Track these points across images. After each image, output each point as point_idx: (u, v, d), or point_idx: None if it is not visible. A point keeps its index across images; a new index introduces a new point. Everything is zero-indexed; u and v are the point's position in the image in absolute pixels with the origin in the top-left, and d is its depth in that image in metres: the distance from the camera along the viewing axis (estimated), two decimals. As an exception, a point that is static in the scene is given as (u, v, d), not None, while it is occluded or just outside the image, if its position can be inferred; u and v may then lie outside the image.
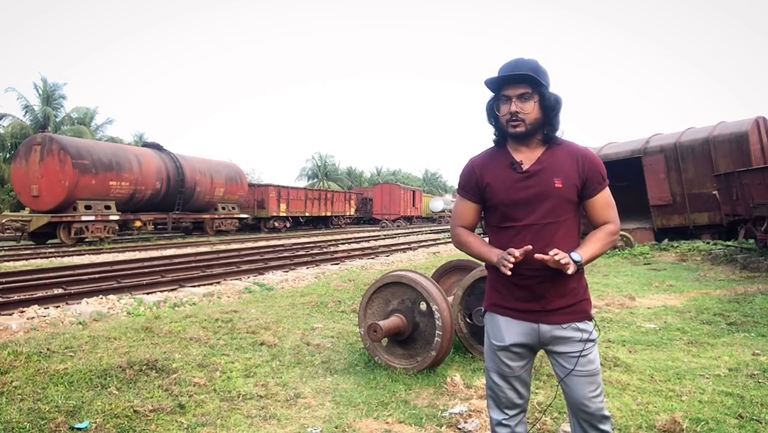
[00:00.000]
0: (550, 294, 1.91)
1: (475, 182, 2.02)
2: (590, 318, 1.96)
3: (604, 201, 1.97)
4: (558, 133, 1.98)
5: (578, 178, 1.92)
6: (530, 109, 1.89)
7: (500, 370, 1.99)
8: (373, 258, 14.67)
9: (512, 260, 1.81)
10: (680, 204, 15.23)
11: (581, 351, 1.90)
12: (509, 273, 1.83)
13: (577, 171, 1.92)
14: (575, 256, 1.83)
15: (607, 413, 1.95)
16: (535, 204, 1.91)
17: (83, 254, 14.66)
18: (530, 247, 1.82)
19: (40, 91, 34.51)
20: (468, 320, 4.33)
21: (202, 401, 3.37)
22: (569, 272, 1.77)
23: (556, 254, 1.76)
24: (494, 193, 1.97)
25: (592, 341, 1.92)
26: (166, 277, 9.74)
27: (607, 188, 1.99)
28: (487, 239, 2.07)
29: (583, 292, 1.96)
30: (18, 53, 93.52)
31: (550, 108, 1.91)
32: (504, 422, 2.02)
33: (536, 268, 1.88)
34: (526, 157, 1.95)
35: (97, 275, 9.45)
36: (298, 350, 4.60)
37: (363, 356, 4.40)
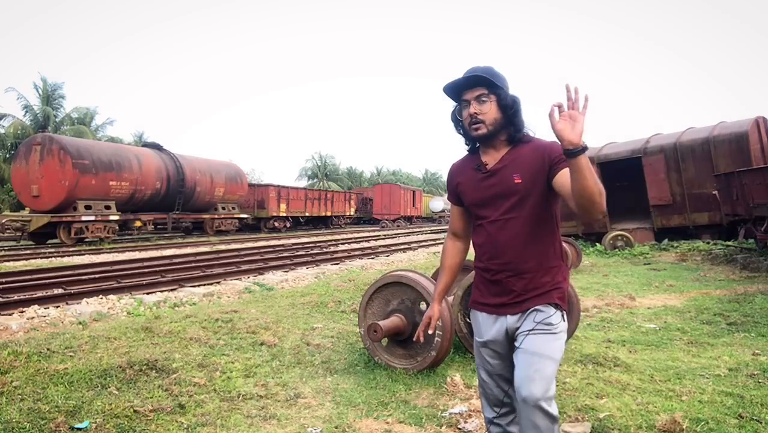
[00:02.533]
0: (518, 288, 1.96)
1: (453, 187, 2.15)
2: (554, 303, 1.94)
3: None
4: (530, 133, 2.02)
5: (543, 169, 1.92)
6: (488, 110, 1.95)
7: (485, 366, 2.07)
8: (373, 258, 14.66)
9: (424, 329, 2.22)
10: (680, 204, 15.24)
11: (533, 330, 1.90)
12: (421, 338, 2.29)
13: (541, 163, 1.93)
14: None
15: (548, 408, 1.79)
16: (498, 201, 1.98)
17: (83, 254, 14.66)
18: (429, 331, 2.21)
19: (40, 91, 34.50)
20: (468, 319, 4.32)
21: (202, 401, 3.37)
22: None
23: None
24: (464, 195, 2.09)
25: (548, 324, 1.90)
26: (166, 277, 9.74)
27: None
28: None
29: (556, 283, 1.97)
30: (18, 53, 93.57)
31: (508, 107, 1.95)
32: (495, 420, 2.06)
33: (505, 263, 1.97)
34: (492, 158, 2.02)
35: (97, 275, 9.44)
36: (298, 350, 4.60)
37: (363, 356, 4.40)
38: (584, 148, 1.64)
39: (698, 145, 14.83)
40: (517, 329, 1.96)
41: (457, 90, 2.01)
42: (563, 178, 1.84)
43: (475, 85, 1.96)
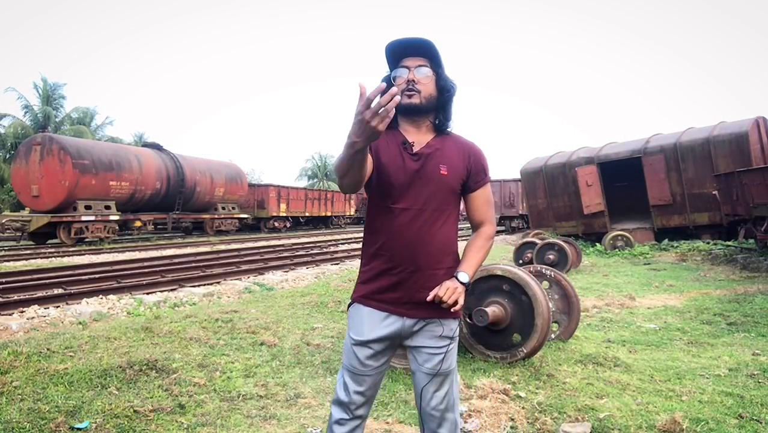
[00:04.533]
0: (419, 286, 1.84)
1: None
2: (455, 316, 1.91)
3: (485, 197, 1.95)
4: (450, 127, 1.94)
5: (464, 169, 1.89)
6: (428, 83, 1.85)
7: (353, 367, 1.91)
8: (373, 258, 14.64)
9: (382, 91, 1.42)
10: (680, 204, 15.25)
11: (436, 348, 1.86)
12: (367, 114, 1.41)
13: (463, 162, 1.89)
14: (463, 277, 1.83)
15: (451, 416, 1.89)
16: (418, 188, 1.85)
17: (83, 254, 14.66)
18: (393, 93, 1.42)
19: (40, 91, 34.52)
20: (468, 319, 4.33)
21: (202, 401, 3.37)
22: (459, 305, 1.80)
23: (445, 293, 1.76)
24: (383, 171, 1.87)
25: (450, 339, 1.90)
26: (166, 277, 9.74)
27: (489, 186, 1.98)
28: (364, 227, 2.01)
29: None
30: (18, 53, 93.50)
31: (446, 90, 1.88)
32: (342, 421, 1.95)
33: (413, 258, 1.83)
34: (416, 139, 1.89)
35: (97, 275, 9.44)
36: (298, 350, 4.60)
37: (363, 356, 4.39)
38: (466, 285, 1.84)
39: (698, 146, 14.84)
40: (414, 335, 1.88)
41: (401, 52, 1.87)
42: (474, 203, 1.95)
43: (420, 54, 1.86)
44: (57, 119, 34.61)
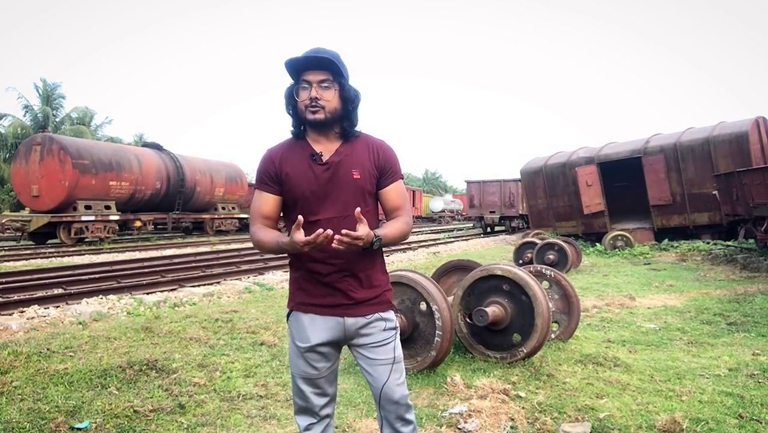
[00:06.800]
0: (354, 287, 1.91)
1: (274, 173, 1.95)
2: (393, 308, 2.01)
3: (398, 192, 2.00)
4: (357, 128, 1.98)
5: (374, 168, 1.94)
6: (330, 98, 1.86)
7: (306, 373, 1.95)
8: (373, 258, 14.62)
9: (302, 239, 1.70)
10: (680, 204, 15.25)
11: (385, 340, 1.94)
12: (305, 249, 1.72)
13: (373, 162, 1.94)
14: (377, 232, 1.84)
15: (410, 402, 1.99)
16: (335, 196, 1.89)
17: (83, 254, 14.66)
18: (324, 231, 1.69)
19: (40, 91, 34.51)
20: (468, 320, 4.33)
21: (202, 401, 3.37)
22: (362, 237, 1.72)
23: (353, 233, 1.72)
24: (294, 185, 1.91)
25: (395, 329, 1.99)
26: (166, 277, 9.74)
27: (401, 182, 2.03)
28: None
29: (386, 283, 2.00)
30: (18, 53, 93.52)
31: (349, 100, 1.90)
32: (311, 426, 1.99)
33: (344, 263, 1.88)
34: (326, 148, 1.92)
35: (97, 275, 9.43)
36: (298, 350, 4.60)
37: (363, 356, 4.39)
38: (376, 240, 1.81)
39: (698, 145, 14.85)
40: (359, 333, 1.93)
41: (302, 66, 1.86)
42: (387, 199, 1.98)
43: (320, 68, 1.85)
44: (57, 119, 34.60)
